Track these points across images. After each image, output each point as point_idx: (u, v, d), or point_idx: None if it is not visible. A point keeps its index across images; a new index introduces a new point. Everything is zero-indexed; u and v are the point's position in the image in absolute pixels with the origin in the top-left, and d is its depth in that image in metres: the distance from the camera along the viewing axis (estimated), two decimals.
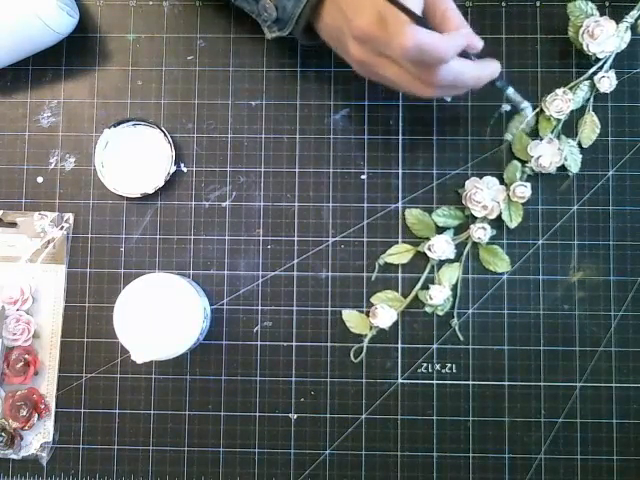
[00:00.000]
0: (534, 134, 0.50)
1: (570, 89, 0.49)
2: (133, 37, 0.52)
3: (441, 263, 0.49)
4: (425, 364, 0.50)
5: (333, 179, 0.51)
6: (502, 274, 0.50)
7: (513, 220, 0.49)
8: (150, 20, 0.52)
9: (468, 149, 0.50)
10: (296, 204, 0.51)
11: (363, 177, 0.51)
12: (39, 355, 0.50)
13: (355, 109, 0.51)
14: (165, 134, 0.50)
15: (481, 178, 0.49)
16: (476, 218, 0.49)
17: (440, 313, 0.49)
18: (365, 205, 0.51)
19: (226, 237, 0.51)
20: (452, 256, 0.49)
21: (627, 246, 0.50)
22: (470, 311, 0.50)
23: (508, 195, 0.49)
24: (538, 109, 0.50)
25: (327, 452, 0.49)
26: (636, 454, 0.49)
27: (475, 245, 0.50)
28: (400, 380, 0.50)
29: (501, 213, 0.49)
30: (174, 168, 0.50)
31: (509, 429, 0.49)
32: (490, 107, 0.51)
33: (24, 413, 0.48)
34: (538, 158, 0.49)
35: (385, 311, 0.48)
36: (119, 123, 0.50)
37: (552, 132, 0.49)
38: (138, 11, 0.52)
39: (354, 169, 0.51)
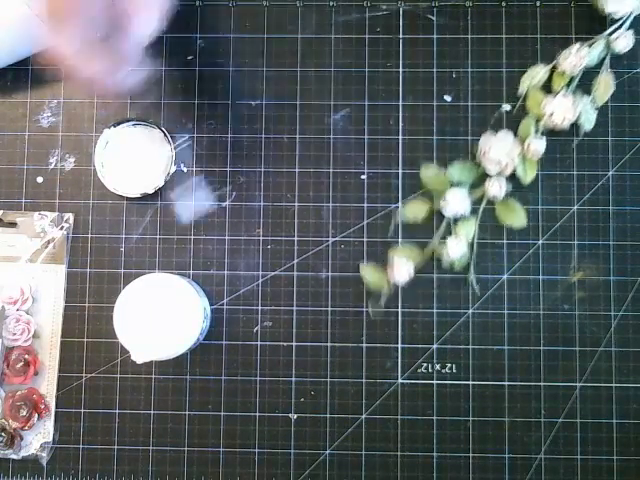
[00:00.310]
0: (547, 91, 0.49)
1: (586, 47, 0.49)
2: None
3: (456, 220, 0.49)
4: (425, 364, 0.50)
5: (333, 179, 0.51)
6: (502, 273, 0.50)
7: (528, 175, 0.49)
8: None
9: (468, 149, 0.50)
10: (296, 204, 0.51)
11: (363, 177, 0.51)
12: (39, 355, 0.50)
13: (355, 109, 0.51)
14: (165, 134, 0.50)
15: (495, 135, 0.49)
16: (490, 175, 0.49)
17: (457, 268, 0.49)
18: (365, 205, 0.51)
19: (226, 237, 0.51)
20: (467, 212, 0.49)
21: (627, 246, 0.50)
22: (470, 311, 0.50)
23: (523, 151, 0.49)
24: (551, 65, 0.49)
25: (327, 452, 0.49)
26: (636, 454, 0.49)
27: (491, 203, 0.49)
28: (400, 380, 0.50)
29: (515, 170, 0.49)
30: (174, 168, 0.50)
31: (509, 429, 0.49)
32: (490, 107, 0.51)
33: (24, 413, 0.48)
34: (551, 114, 0.48)
35: (402, 263, 0.48)
36: (119, 123, 0.50)
37: (567, 87, 0.49)
38: None
39: (354, 169, 0.51)
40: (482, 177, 0.50)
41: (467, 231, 0.49)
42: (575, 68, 0.48)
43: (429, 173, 0.50)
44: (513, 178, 0.49)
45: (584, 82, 0.49)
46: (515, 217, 0.49)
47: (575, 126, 0.49)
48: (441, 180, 0.49)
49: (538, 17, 0.51)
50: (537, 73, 0.49)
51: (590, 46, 0.49)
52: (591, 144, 0.50)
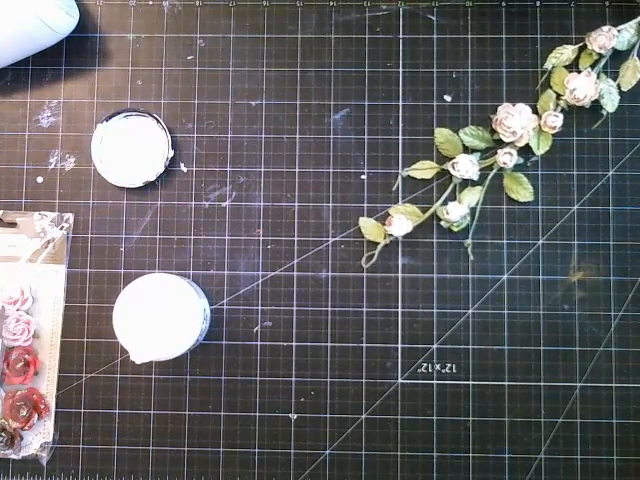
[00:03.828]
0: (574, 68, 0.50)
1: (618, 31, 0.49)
2: (133, 37, 0.52)
3: (464, 185, 0.50)
4: (425, 364, 0.50)
5: (333, 179, 0.51)
6: (502, 273, 0.50)
7: (540, 147, 0.49)
8: (150, 20, 0.52)
9: (468, 149, 0.50)
10: (296, 204, 0.51)
11: (363, 177, 0.51)
12: (39, 355, 0.50)
13: (355, 109, 0.51)
14: (158, 120, 0.50)
15: (514, 106, 0.49)
16: (503, 144, 0.49)
17: (455, 229, 0.49)
18: (365, 205, 0.51)
19: (226, 237, 0.51)
20: (475, 177, 0.49)
21: (627, 246, 0.50)
22: (470, 311, 0.50)
23: (539, 125, 0.49)
24: (581, 43, 0.49)
25: (327, 452, 0.49)
26: (636, 454, 0.49)
27: (499, 176, 0.50)
28: (400, 380, 0.50)
29: (529, 141, 0.49)
30: (172, 153, 0.50)
31: (509, 429, 0.49)
32: (490, 107, 0.51)
33: (24, 413, 0.48)
34: (573, 90, 0.48)
35: (401, 221, 0.49)
36: (111, 116, 0.50)
37: (592, 67, 0.49)
38: (138, 11, 0.52)
39: (354, 169, 0.51)
40: (493, 148, 0.50)
41: (471, 199, 0.49)
42: (603, 48, 0.48)
43: (442, 135, 0.50)
44: (524, 151, 0.50)
45: (613, 69, 0.50)
46: (521, 190, 0.49)
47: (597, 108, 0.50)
48: (454, 144, 0.50)
49: (538, 17, 0.51)
50: (566, 50, 0.49)
51: (619, 31, 0.49)
52: (591, 144, 0.50)
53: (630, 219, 0.50)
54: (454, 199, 0.50)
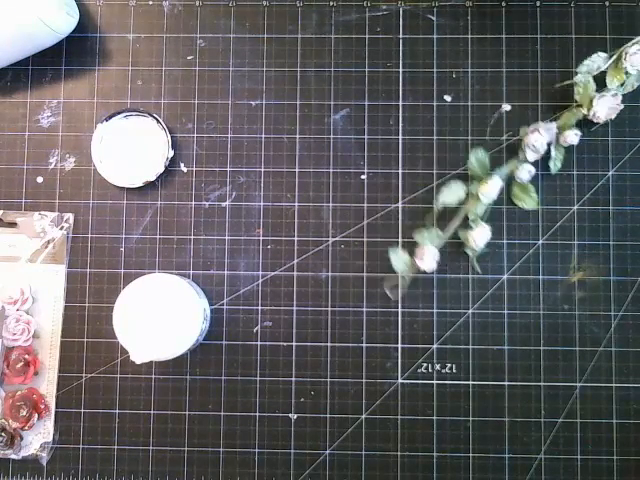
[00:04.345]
0: (601, 84, 0.48)
1: None
2: (133, 37, 0.52)
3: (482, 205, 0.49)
4: (425, 364, 0.50)
5: (333, 179, 0.51)
6: (502, 273, 0.50)
7: (557, 165, 0.49)
8: (150, 20, 0.52)
9: (468, 149, 0.50)
10: (296, 204, 0.51)
11: (363, 177, 0.51)
12: (39, 355, 0.50)
13: (355, 109, 0.51)
14: (158, 120, 0.50)
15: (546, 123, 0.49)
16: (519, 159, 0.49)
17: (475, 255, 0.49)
18: (365, 205, 0.51)
19: (226, 237, 0.51)
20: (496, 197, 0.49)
21: (627, 246, 0.50)
22: (470, 311, 0.50)
23: (558, 138, 0.49)
24: (616, 56, 0.48)
25: (327, 452, 0.49)
26: (636, 454, 0.49)
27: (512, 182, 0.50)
28: (400, 380, 0.50)
29: (548, 157, 0.49)
30: (172, 152, 0.50)
31: (509, 429, 0.49)
32: (490, 107, 0.51)
33: (24, 413, 0.48)
34: (596, 112, 0.48)
35: (431, 253, 0.48)
36: (111, 116, 0.50)
37: (621, 86, 0.48)
38: (138, 11, 0.52)
39: (354, 169, 0.51)
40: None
41: (481, 208, 0.49)
42: (635, 68, 0.47)
43: (476, 161, 0.49)
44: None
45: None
46: (527, 199, 0.49)
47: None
48: (484, 165, 0.49)
49: (538, 17, 0.51)
50: (598, 59, 0.48)
51: None
52: (591, 144, 0.50)
53: (630, 219, 0.50)
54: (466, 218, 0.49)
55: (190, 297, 0.44)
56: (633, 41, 0.47)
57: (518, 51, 0.51)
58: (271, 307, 0.50)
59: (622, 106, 0.48)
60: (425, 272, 0.49)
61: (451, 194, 0.49)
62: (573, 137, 0.48)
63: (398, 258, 0.49)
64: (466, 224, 0.49)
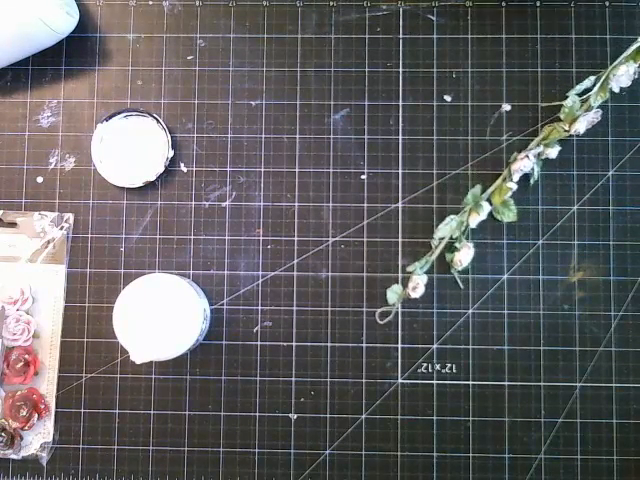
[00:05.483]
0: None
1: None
2: (133, 37, 0.52)
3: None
4: (425, 364, 0.50)
5: (333, 179, 0.51)
6: (502, 273, 0.50)
7: (535, 179, 0.50)
8: (150, 20, 0.52)
9: (468, 149, 0.50)
10: (296, 204, 0.51)
11: (363, 177, 0.51)
12: (39, 355, 0.50)
13: (355, 109, 0.51)
14: (158, 120, 0.50)
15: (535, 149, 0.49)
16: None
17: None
18: (365, 205, 0.51)
19: (226, 237, 0.51)
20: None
21: (627, 246, 0.50)
22: (470, 311, 0.50)
23: (539, 155, 0.49)
24: (604, 77, 0.48)
25: (327, 452, 0.49)
26: (636, 454, 0.49)
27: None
28: (400, 380, 0.50)
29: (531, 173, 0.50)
30: (172, 152, 0.50)
31: (509, 429, 0.49)
32: (490, 107, 0.51)
33: (24, 413, 0.48)
34: (577, 128, 0.49)
35: (423, 282, 0.49)
36: (111, 116, 0.50)
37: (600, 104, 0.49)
38: (138, 11, 0.52)
39: (354, 169, 0.51)
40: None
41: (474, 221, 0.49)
42: (619, 87, 0.48)
43: (474, 199, 0.50)
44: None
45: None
46: (507, 212, 0.49)
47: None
48: (477, 198, 0.50)
49: (538, 17, 0.51)
50: (589, 82, 0.49)
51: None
52: (591, 144, 0.50)
53: (630, 219, 0.50)
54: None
55: (190, 297, 0.44)
56: (618, 61, 0.48)
57: (518, 51, 0.51)
58: (271, 307, 0.50)
59: (600, 118, 0.49)
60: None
61: (447, 229, 0.49)
62: (555, 153, 0.49)
63: (393, 293, 0.50)
64: (450, 245, 0.50)
